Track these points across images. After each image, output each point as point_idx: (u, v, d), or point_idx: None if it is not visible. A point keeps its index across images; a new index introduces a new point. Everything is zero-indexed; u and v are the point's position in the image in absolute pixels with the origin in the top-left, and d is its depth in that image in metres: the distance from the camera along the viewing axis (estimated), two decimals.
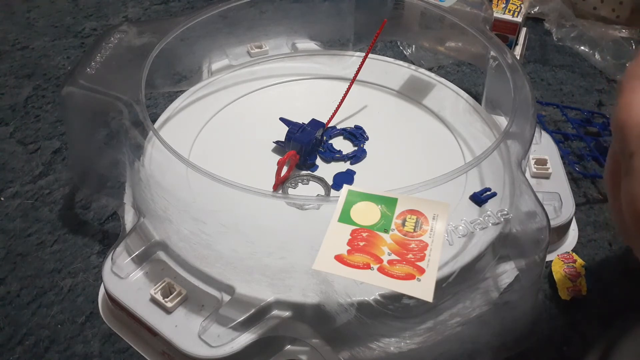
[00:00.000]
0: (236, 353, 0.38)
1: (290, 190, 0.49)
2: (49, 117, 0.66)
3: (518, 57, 0.73)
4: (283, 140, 0.51)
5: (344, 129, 0.55)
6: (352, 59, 0.64)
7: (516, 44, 0.74)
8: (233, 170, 0.41)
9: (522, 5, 0.74)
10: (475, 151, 0.53)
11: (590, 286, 0.48)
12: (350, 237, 0.36)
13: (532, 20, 0.84)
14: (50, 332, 0.46)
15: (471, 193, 0.47)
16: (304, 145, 0.50)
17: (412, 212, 0.37)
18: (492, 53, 0.54)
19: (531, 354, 0.44)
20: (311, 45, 0.66)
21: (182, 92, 0.59)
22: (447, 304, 0.39)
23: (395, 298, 0.37)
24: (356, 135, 0.54)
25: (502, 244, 0.43)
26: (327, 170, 0.51)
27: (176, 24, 0.55)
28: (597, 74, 0.76)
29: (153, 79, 0.54)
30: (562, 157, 0.56)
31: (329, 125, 0.55)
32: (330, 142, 0.54)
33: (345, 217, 0.37)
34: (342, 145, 0.54)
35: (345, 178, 0.50)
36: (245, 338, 0.39)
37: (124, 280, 0.42)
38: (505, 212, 0.43)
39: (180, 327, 0.39)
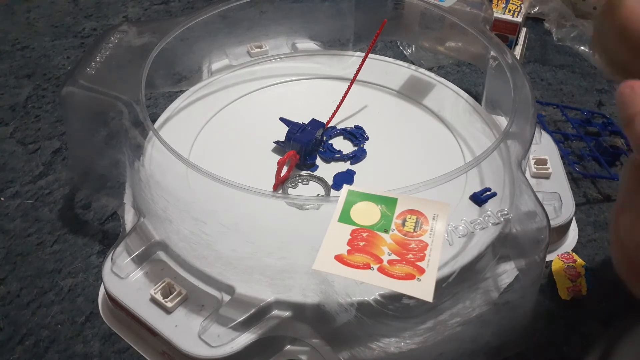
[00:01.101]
0: (236, 353, 0.38)
1: (290, 190, 0.49)
2: (49, 117, 0.66)
3: (518, 57, 0.73)
4: (283, 140, 0.51)
5: (344, 129, 0.55)
6: (352, 59, 0.64)
7: (516, 44, 0.74)
8: (233, 170, 0.41)
9: (522, 5, 0.74)
10: (475, 151, 0.53)
11: (590, 286, 0.48)
12: (350, 237, 0.36)
13: (532, 20, 0.84)
14: (50, 332, 0.46)
15: (471, 193, 0.47)
16: (304, 145, 0.50)
17: (412, 212, 0.37)
18: (492, 53, 0.54)
19: (531, 354, 0.44)
20: (311, 45, 0.66)
21: (182, 92, 0.59)
22: (447, 304, 0.39)
23: (395, 298, 0.37)
24: (356, 135, 0.54)
25: (502, 244, 0.43)
26: (327, 170, 0.51)
27: (176, 24, 0.55)
28: (597, 74, 0.76)
29: (153, 79, 0.54)
30: (562, 157, 0.56)
31: (329, 125, 0.55)
32: (330, 142, 0.54)
33: (345, 217, 0.37)
34: (342, 145, 0.54)
35: (345, 178, 0.50)
36: (245, 338, 0.39)
37: (124, 280, 0.42)
38: (505, 212, 0.43)
39: (180, 327, 0.39)
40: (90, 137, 0.53)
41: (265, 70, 0.63)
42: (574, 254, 0.51)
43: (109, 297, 0.42)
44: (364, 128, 0.55)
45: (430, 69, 0.64)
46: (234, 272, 0.41)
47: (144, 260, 0.43)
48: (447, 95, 0.60)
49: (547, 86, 0.74)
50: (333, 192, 0.49)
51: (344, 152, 0.53)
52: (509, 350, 0.41)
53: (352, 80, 0.55)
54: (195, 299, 0.41)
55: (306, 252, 0.35)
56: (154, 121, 0.53)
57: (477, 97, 0.60)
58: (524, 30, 0.77)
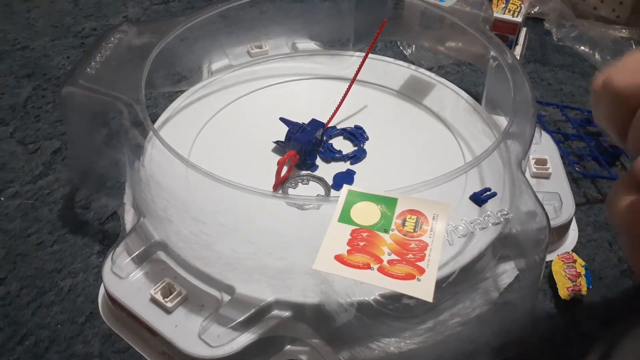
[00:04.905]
0: (236, 353, 0.38)
1: (290, 190, 0.49)
2: (49, 117, 0.66)
3: (518, 57, 0.73)
4: (283, 140, 0.51)
5: (344, 129, 0.55)
6: (352, 59, 0.64)
7: (516, 44, 0.74)
8: (233, 170, 0.41)
9: (522, 5, 0.74)
10: (475, 151, 0.53)
11: (590, 286, 0.48)
12: (350, 237, 0.36)
13: (532, 20, 0.84)
14: (50, 332, 0.46)
15: (471, 193, 0.47)
16: (304, 145, 0.50)
17: (412, 212, 0.37)
18: (492, 53, 0.54)
19: (531, 354, 0.44)
20: (311, 45, 0.66)
21: (182, 92, 0.59)
22: (447, 304, 0.39)
23: (395, 298, 0.37)
24: (356, 135, 0.54)
25: (502, 244, 0.43)
26: (327, 170, 0.51)
27: (176, 24, 0.55)
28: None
29: (153, 79, 0.54)
30: (562, 157, 0.56)
31: (329, 125, 0.55)
32: (330, 142, 0.54)
33: (345, 217, 0.37)
34: (342, 145, 0.54)
35: (345, 178, 0.50)
36: (245, 338, 0.39)
37: (124, 280, 0.42)
38: (505, 212, 0.43)
39: (180, 327, 0.39)
40: (90, 137, 0.53)
41: (265, 70, 0.63)
42: (574, 254, 0.51)
43: (109, 297, 0.42)
44: (364, 128, 0.55)
45: (430, 69, 0.64)
46: (234, 272, 0.41)
47: (144, 260, 0.43)
48: (447, 95, 0.60)
49: (547, 86, 0.74)
50: (333, 192, 0.49)
51: (344, 152, 0.53)
52: (509, 350, 0.41)
53: (352, 80, 0.55)
54: (195, 299, 0.41)
55: (306, 252, 0.35)
56: (154, 121, 0.53)
57: (477, 97, 0.60)
58: (524, 30, 0.77)
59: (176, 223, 0.43)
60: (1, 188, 0.58)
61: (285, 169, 0.49)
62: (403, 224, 0.36)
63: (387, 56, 0.66)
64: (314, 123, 0.52)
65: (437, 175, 0.39)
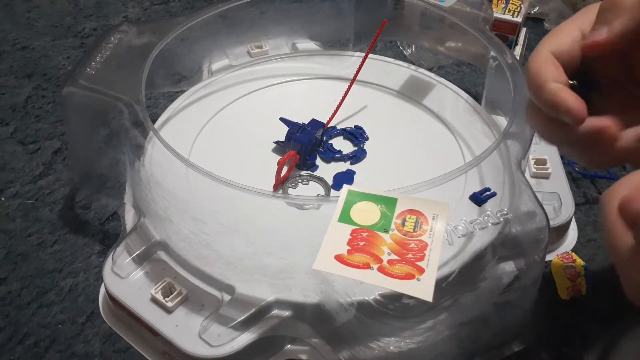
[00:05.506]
0: (236, 352, 0.38)
1: (290, 190, 0.49)
2: (49, 117, 0.66)
3: (518, 57, 0.73)
4: (283, 140, 0.51)
5: (344, 129, 0.55)
6: (352, 59, 0.64)
7: (516, 44, 0.74)
8: (233, 170, 0.41)
9: (522, 5, 0.74)
10: (475, 151, 0.53)
11: (590, 286, 0.48)
12: (350, 237, 0.36)
13: (532, 20, 0.84)
14: (51, 332, 0.46)
15: (471, 193, 0.47)
16: (304, 145, 0.50)
17: (412, 212, 0.37)
18: (492, 53, 0.55)
19: (531, 354, 0.44)
20: (311, 45, 0.66)
21: (182, 92, 0.59)
22: (447, 304, 0.39)
23: (395, 298, 0.37)
24: (356, 135, 0.54)
25: (501, 244, 0.43)
26: (327, 170, 0.51)
27: (176, 24, 0.55)
28: None
29: (153, 79, 0.54)
30: (562, 157, 0.56)
31: (329, 125, 0.55)
32: (330, 142, 0.54)
33: (345, 217, 0.37)
34: (342, 145, 0.54)
35: (345, 178, 0.50)
36: (246, 337, 0.39)
37: (125, 280, 0.42)
38: (505, 212, 0.43)
39: (180, 327, 0.39)
40: (91, 137, 0.53)
41: (265, 70, 0.63)
42: (573, 253, 0.51)
43: (110, 296, 0.43)
44: (364, 128, 0.55)
45: (430, 69, 0.64)
46: (234, 272, 0.41)
47: (144, 260, 0.44)
48: (447, 95, 0.60)
49: None
50: (333, 192, 0.49)
51: (344, 152, 0.53)
52: (508, 350, 0.41)
53: (352, 80, 0.55)
54: (195, 299, 0.41)
55: (306, 252, 0.36)
56: (154, 121, 0.53)
57: (477, 97, 0.60)
58: (524, 30, 0.77)
59: (176, 223, 0.43)
60: (1, 188, 0.58)
61: (285, 169, 0.49)
62: (403, 224, 0.37)
63: (387, 56, 0.66)
64: (314, 123, 0.52)
65: (437, 175, 0.39)
